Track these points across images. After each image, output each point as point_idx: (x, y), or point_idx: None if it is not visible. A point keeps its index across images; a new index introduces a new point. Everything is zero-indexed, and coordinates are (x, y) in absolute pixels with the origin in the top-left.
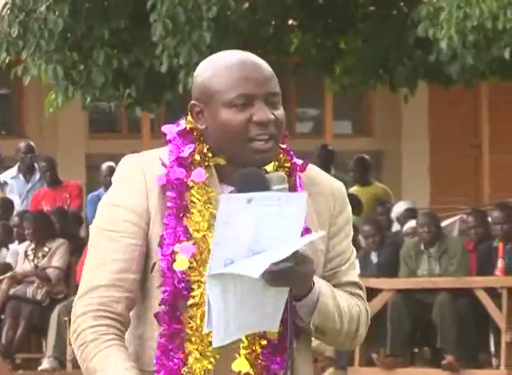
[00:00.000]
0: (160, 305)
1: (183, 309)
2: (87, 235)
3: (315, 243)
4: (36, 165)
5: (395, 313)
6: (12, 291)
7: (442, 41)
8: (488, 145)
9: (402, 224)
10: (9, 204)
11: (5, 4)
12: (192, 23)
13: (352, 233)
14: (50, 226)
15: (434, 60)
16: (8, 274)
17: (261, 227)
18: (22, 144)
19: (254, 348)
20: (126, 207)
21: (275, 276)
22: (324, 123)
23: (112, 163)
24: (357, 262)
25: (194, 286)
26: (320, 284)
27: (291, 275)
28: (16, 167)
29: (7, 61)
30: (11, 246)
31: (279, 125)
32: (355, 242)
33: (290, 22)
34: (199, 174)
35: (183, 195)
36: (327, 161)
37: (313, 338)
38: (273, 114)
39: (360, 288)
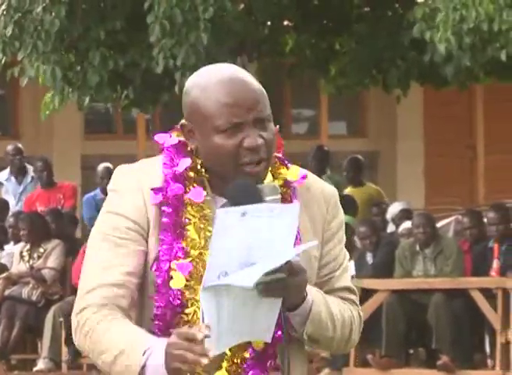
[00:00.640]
0: (153, 320)
1: (176, 326)
2: (83, 236)
3: (309, 249)
4: (27, 166)
5: (390, 314)
6: (7, 292)
7: (440, 44)
8: (483, 146)
9: (397, 225)
10: (4, 204)
11: (1, 5)
12: (189, 24)
13: (344, 238)
14: (45, 227)
15: (428, 61)
16: (4, 275)
17: (254, 239)
18: (9, 147)
19: (235, 360)
20: (127, 217)
21: (268, 287)
22: (319, 124)
23: (107, 164)
24: (352, 263)
25: (188, 304)
26: (312, 293)
27: (284, 286)
28: (8, 169)
29: (3, 62)
30: (6, 247)
31: (270, 147)
32: (350, 243)
33: (285, 23)
34: (197, 194)
35: (179, 211)
36: (322, 162)
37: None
38: (262, 137)
39: (353, 293)
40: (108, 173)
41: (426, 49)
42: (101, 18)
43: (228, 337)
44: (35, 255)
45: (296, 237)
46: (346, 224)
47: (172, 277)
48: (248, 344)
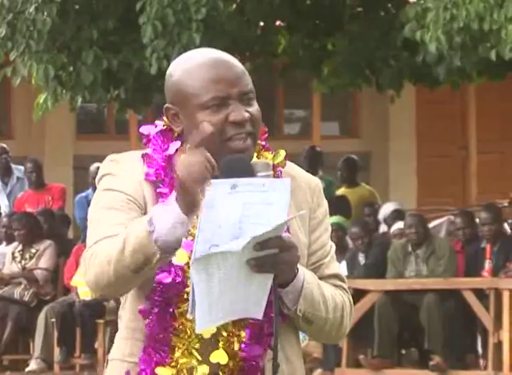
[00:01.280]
0: (151, 295)
1: (175, 305)
2: (75, 236)
3: (298, 236)
4: (12, 166)
5: (382, 314)
6: None
7: (431, 44)
8: (476, 146)
9: (389, 225)
10: None
11: None
12: (181, 25)
13: (330, 228)
14: (39, 227)
15: (420, 62)
16: None
17: (245, 213)
18: None
19: (232, 340)
20: (125, 192)
21: (260, 262)
22: (311, 125)
23: (100, 164)
24: (344, 264)
25: (188, 282)
26: (305, 272)
27: (276, 261)
28: None
29: None
30: None
31: (256, 121)
32: (343, 243)
33: (278, 23)
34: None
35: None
36: (315, 162)
37: (300, 341)
38: (248, 111)
39: (343, 280)
40: None
41: (418, 49)
42: (94, 18)
43: (218, 313)
44: (27, 256)
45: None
46: (338, 225)
47: (175, 254)
48: (244, 322)
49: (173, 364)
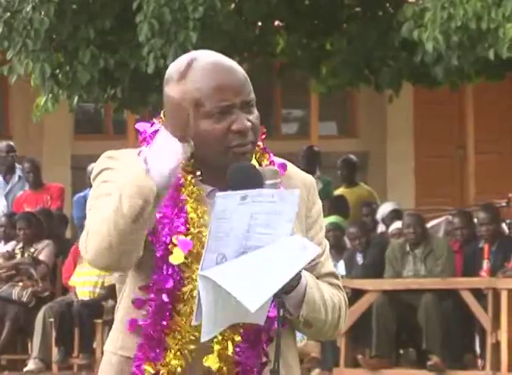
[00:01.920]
0: (148, 290)
1: (171, 304)
2: (73, 236)
3: (297, 235)
4: (16, 165)
5: (380, 314)
6: None
7: (428, 43)
8: (474, 146)
9: (387, 225)
10: None
11: None
12: (178, 24)
13: (324, 226)
14: (41, 227)
15: (419, 62)
16: None
17: (253, 223)
18: (2, 144)
19: (226, 344)
20: (119, 182)
21: None
22: (309, 125)
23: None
24: (342, 264)
25: (185, 281)
26: (307, 277)
27: None
28: None
29: None
30: None
31: (256, 129)
32: (341, 243)
33: (276, 23)
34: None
35: (178, 188)
36: (312, 162)
37: (298, 341)
38: (249, 120)
39: (338, 278)
40: None
41: (417, 49)
42: (91, 17)
43: (222, 320)
44: (26, 255)
45: None
46: (337, 225)
47: (171, 252)
48: (240, 326)
49: (164, 364)
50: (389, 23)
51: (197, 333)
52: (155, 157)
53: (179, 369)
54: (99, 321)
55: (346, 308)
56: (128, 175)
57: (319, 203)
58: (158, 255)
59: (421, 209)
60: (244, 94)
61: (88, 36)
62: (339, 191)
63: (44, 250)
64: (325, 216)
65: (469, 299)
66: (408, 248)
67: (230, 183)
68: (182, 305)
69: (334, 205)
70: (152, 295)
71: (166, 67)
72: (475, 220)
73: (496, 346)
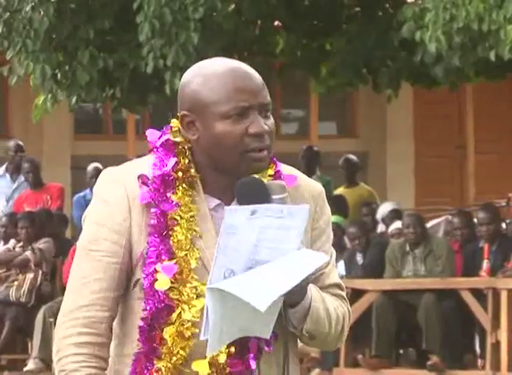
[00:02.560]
0: (140, 322)
1: (161, 329)
2: (73, 236)
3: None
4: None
5: (380, 314)
6: None
7: (430, 44)
8: (473, 146)
9: (387, 225)
10: None
11: None
12: (179, 24)
13: (332, 235)
14: (42, 227)
15: (418, 62)
16: None
17: (262, 238)
18: (11, 143)
19: (218, 355)
20: (107, 225)
21: None
22: (309, 125)
23: (97, 164)
24: (342, 264)
25: (175, 306)
26: (312, 290)
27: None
28: (3, 166)
29: None
30: None
31: (272, 135)
32: (340, 243)
33: (276, 23)
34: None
35: (166, 212)
36: (312, 162)
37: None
38: (266, 124)
39: (343, 289)
40: (98, 173)
41: (416, 49)
42: (90, 17)
43: (228, 334)
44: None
45: None
46: (336, 224)
47: (157, 279)
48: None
49: None
50: (389, 24)
51: (184, 353)
52: None
53: None
54: None
55: (350, 318)
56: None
57: (328, 213)
58: (145, 284)
59: (421, 209)
60: (262, 96)
61: (87, 36)
62: (339, 191)
63: (42, 245)
64: None
65: (469, 299)
66: (408, 248)
67: (237, 199)
68: (170, 328)
69: (334, 204)
70: (142, 324)
71: (166, 67)
72: (475, 220)
73: (496, 346)
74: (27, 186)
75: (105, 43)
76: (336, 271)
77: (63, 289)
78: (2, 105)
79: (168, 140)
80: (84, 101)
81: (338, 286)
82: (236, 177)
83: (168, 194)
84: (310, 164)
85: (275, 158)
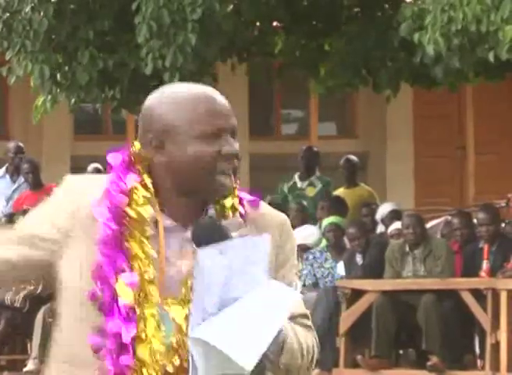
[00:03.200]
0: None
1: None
2: None
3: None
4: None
5: (380, 315)
6: None
7: (428, 46)
8: (473, 147)
9: (387, 226)
10: None
11: None
12: (177, 25)
13: (297, 265)
14: None
15: (418, 62)
16: None
17: (229, 275)
18: (11, 145)
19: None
20: (49, 221)
21: None
22: (309, 125)
23: (97, 165)
24: (342, 264)
25: (138, 319)
26: (285, 324)
27: None
28: (3, 168)
29: None
30: None
31: (239, 159)
32: (340, 244)
33: (275, 24)
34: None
35: (122, 225)
36: (312, 162)
37: None
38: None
39: (308, 319)
40: (98, 173)
41: (416, 50)
42: (90, 18)
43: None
44: None
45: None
46: (336, 225)
47: (118, 293)
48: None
49: None
50: (388, 24)
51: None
52: None
53: None
54: None
55: (318, 348)
56: None
57: (293, 242)
58: (106, 297)
59: (421, 210)
60: (233, 120)
61: (87, 36)
62: (339, 192)
63: None
64: (324, 217)
65: (469, 300)
66: (408, 249)
67: (196, 241)
68: (141, 345)
69: (333, 205)
70: (110, 340)
71: (165, 68)
72: (475, 221)
73: (496, 346)
74: (27, 187)
75: (105, 43)
76: (302, 301)
77: None
78: (2, 105)
79: (127, 160)
80: (84, 102)
81: (305, 316)
82: (198, 200)
83: (125, 210)
84: (309, 164)
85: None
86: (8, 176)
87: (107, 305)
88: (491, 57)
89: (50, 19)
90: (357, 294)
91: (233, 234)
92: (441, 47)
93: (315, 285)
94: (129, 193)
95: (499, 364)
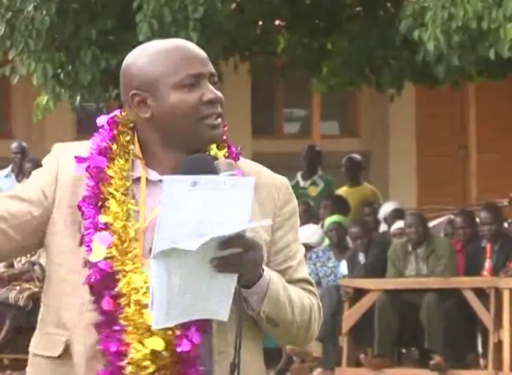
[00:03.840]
0: (90, 294)
1: (114, 299)
2: None
3: (260, 233)
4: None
5: (382, 314)
6: None
7: (429, 42)
8: (476, 146)
9: (389, 225)
10: None
11: None
12: (178, 24)
13: (298, 228)
14: None
15: (420, 61)
16: None
17: (206, 211)
18: (14, 144)
19: (171, 331)
20: (36, 185)
21: (223, 261)
22: (311, 124)
23: None
24: (344, 263)
25: (119, 275)
26: (270, 273)
27: (240, 261)
28: (9, 167)
29: None
30: None
31: (223, 104)
32: (343, 243)
33: (277, 23)
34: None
35: (100, 184)
36: (314, 161)
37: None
38: (216, 93)
39: (312, 285)
40: None
41: (418, 48)
42: (92, 17)
43: (178, 312)
44: (23, 259)
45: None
46: (339, 224)
47: (92, 250)
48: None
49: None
50: (390, 23)
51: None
52: None
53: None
54: None
55: (320, 313)
56: None
57: (293, 204)
58: (87, 256)
59: (423, 209)
60: (210, 66)
61: (90, 36)
62: (342, 191)
63: (43, 252)
64: (327, 216)
65: (471, 298)
66: (410, 248)
67: (182, 173)
68: (124, 299)
69: (335, 204)
70: (92, 297)
71: None
72: (477, 220)
73: (498, 345)
74: None
75: (108, 43)
76: (305, 267)
77: None
78: (5, 105)
79: (111, 120)
80: (87, 101)
81: (306, 281)
82: (190, 153)
83: (104, 167)
84: (312, 164)
85: (228, 139)
86: (13, 176)
87: (89, 262)
88: (492, 55)
89: (52, 19)
90: (360, 293)
91: (222, 174)
92: (441, 43)
93: (318, 284)
94: (110, 152)
95: (501, 363)
